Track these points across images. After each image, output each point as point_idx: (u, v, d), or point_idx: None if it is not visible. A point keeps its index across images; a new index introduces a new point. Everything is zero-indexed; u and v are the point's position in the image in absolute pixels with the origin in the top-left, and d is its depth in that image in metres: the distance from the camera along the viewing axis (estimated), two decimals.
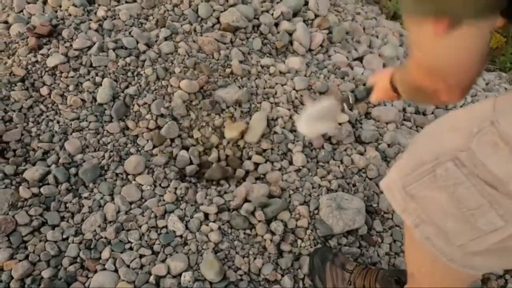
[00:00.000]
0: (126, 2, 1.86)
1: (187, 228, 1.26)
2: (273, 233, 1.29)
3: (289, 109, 1.61)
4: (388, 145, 1.64)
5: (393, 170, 0.76)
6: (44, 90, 1.50)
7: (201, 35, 1.78)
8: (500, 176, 0.59)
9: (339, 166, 1.52)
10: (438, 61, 0.63)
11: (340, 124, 1.61)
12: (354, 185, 1.48)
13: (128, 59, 1.61)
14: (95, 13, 1.78)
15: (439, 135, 0.67)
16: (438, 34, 0.58)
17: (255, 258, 1.23)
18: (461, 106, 1.73)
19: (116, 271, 1.15)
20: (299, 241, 1.29)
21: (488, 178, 0.60)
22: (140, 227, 1.24)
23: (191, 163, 1.45)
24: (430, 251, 0.73)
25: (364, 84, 1.39)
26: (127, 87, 1.56)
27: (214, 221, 1.28)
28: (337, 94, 1.46)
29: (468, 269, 0.71)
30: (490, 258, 0.68)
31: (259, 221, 1.30)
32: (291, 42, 1.96)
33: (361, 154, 1.58)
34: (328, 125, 1.17)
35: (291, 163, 1.50)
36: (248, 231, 1.29)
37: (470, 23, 0.56)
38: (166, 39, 1.74)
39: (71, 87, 1.52)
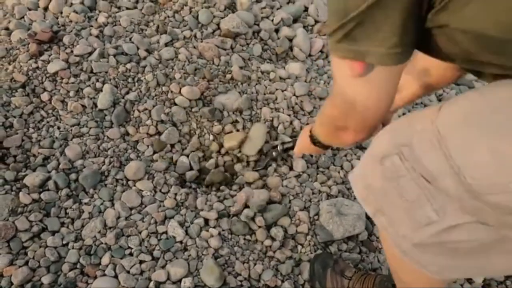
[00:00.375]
0: (127, 9, 1.87)
1: (187, 233, 1.26)
2: (273, 239, 1.29)
3: (289, 115, 1.61)
4: None
5: (359, 164, 0.81)
6: (44, 96, 1.51)
7: (202, 41, 1.79)
8: (434, 173, 0.62)
9: (339, 172, 1.52)
10: (353, 97, 0.70)
11: None
12: None
13: (128, 65, 1.61)
14: (96, 20, 1.79)
15: (391, 131, 0.72)
16: (354, 75, 0.65)
17: (255, 264, 1.23)
18: None
19: (116, 277, 1.15)
20: (299, 247, 1.29)
21: (424, 173, 0.64)
22: (140, 233, 1.24)
23: (191, 168, 1.46)
24: (390, 244, 0.77)
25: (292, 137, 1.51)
26: (127, 93, 1.56)
27: (214, 227, 1.28)
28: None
29: (419, 266, 0.74)
30: (435, 255, 0.71)
31: (259, 226, 1.30)
32: (291, 48, 1.97)
33: None
34: None
35: (291, 168, 1.50)
36: (248, 237, 1.28)
37: (383, 67, 0.64)
38: (166, 45, 1.75)
39: (71, 93, 1.52)
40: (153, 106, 1.52)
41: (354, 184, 0.80)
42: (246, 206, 1.33)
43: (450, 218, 0.64)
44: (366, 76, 0.65)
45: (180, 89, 1.57)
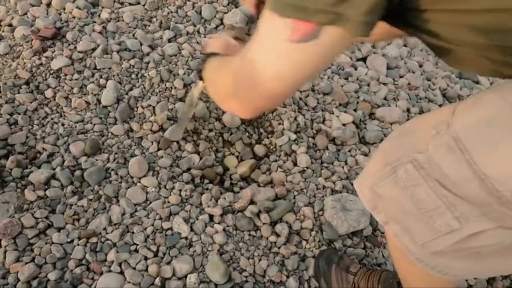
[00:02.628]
0: (130, 4, 1.87)
1: (192, 230, 1.26)
2: (278, 235, 1.29)
3: (294, 111, 1.61)
4: None
5: (364, 170, 0.78)
6: (48, 93, 1.51)
7: (205, 37, 1.79)
8: (455, 179, 0.59)
9: (343, 167, 1.51)
10: (274, 68, 0.56)
11: (344, 124, 1.60)
12: None
13: (132, 61, 1.61)
14: (99, 16, 1.78)
15: (403, 137, 0.69)
16: (294, 38, 0.52)
17: (260, 260, 1.23)
18: None
19: (121, 273, 1.15)
20: (304, 243, 1.29)
21: (443, 180, 0.61)
22: (145, 229, 1.24)
23: (196, 165, 1.46)
24: (402, 251, 0.75)
25: None
26: (131, 89, 1.56)
27: (219, 223, 1.28)
28: None
29: (435, 271, 0.72)
30: (454, 260, 0.70)
31: (264, 223, 1.30)
32: None
33: (366, 155, 1.57)
34: None
35: (295, 164, 1.50)
36: (253, 233, 1.28)
37: (338, 32, 0.51)
38: (169, 40, 1.74)
39: (75, 90, 1.53)
40: (157, 103, 1.51)
41: (361, 192, 0.77)
42: (251, 202, 1.33)
43: (472, 225, 0.62)
44: (307, 43, 0.52)
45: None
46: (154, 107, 1.51)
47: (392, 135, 0.74)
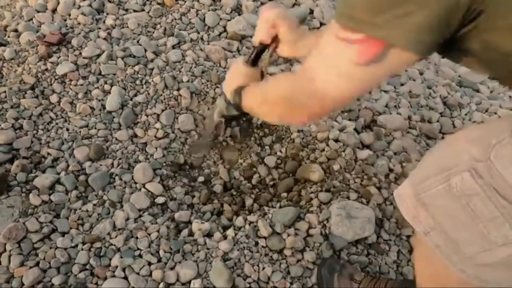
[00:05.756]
0: (134, 11, 1.88)
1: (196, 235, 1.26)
2: (283, 242, 1.29)
3: None
4: (394, 153, 1.64)
5: (407, 179, 0.76)
6: (53, 98, 1.52)
7: (208, 44, 1.80)
8: None
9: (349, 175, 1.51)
10: (336, 89, 0.62)
11: (346, 132, 1.61)
12: None
13: (136, 67, 1.62)
14: (104, 22, 1.80)
15: (456, 146, 0.68)
16: (361, 61, 0.57)
17: (264, 268, 1.22)
18: None
19: (125, 278, 1.15)
20: (308, 250, 1.29)
21: (503, 190, 0.60)
22: (149, 234, 1.24)
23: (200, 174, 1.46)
24: (440, 261, 0.73)
25: None
26: (135, 95, 1.57)
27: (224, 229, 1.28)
28: None
29: (479, 281, 0.71)
30: (502, 272, 0.68)
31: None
32: None
33: (371, 164, 1.57)
34: None
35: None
36: (257, 240, 1.28)
37: (403, 53, 0.55)
38: (173, 47, 1.75)
39: (80, 95, 1.53)
40: (162, 111, 1.52)
41: (401, 201, 0.76)
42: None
43: None
44: (371, 65, 0.57)
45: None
46: (159, 115, 1.52)
47: (441, 144, 0.72)
